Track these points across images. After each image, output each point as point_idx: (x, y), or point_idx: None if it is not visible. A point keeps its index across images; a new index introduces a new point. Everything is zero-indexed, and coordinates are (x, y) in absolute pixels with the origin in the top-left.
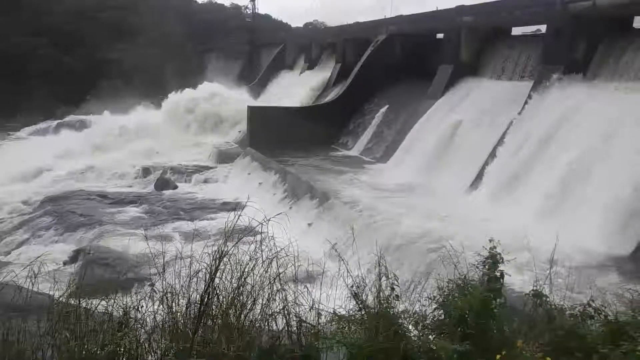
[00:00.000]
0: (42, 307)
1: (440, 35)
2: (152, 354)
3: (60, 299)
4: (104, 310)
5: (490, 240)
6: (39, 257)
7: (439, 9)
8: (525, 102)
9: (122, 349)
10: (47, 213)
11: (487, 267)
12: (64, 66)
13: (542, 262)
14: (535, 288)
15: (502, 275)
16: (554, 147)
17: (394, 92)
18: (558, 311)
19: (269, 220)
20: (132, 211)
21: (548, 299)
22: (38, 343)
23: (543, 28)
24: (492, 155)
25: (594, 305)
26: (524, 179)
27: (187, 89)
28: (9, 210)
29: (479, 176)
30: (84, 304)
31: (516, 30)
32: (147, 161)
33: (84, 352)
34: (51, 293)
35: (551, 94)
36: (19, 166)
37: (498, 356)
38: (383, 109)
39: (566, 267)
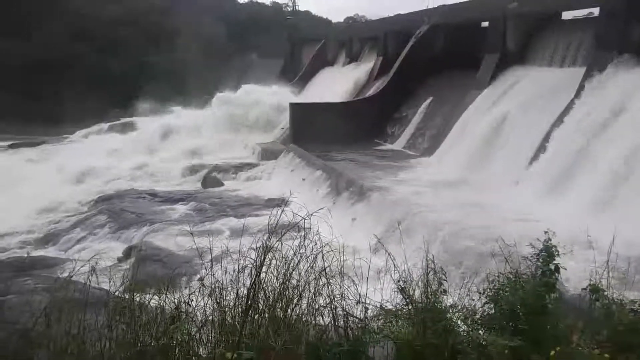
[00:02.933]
0: (100, 302)
1: (485, 24)
2: (203, 347)
3: (116, 293)
4: (156, 305)
5: (545, 232)
6: (95, 255)
7: None
8: (578, 91)
9: (174, 342)
10: (101, 212)
11: (541, 260)
12: (110, 70)
13: (600, 256)
14: (592, 282)
15: (557, 269)
16: (610, 136)
17: (438, 84)
18: (617, 306)
19: (311, 215)
20: (181, 209)
21: (606, 294)
22: (97, 336)
23: (596, 11)
24: (543, 146)
25: None
26: (578, 171)
27: (229, 89)
28: (66, 209)
29: (529, 168)
30: (138, 299)
31: (566, 15)
32: (194, 160)
33: (139, 345)
34: (107, 288)
35: (605, 81)
36: (73, 168)
37: (552, 352)
38: (427, 102)
39: (626, 261)
